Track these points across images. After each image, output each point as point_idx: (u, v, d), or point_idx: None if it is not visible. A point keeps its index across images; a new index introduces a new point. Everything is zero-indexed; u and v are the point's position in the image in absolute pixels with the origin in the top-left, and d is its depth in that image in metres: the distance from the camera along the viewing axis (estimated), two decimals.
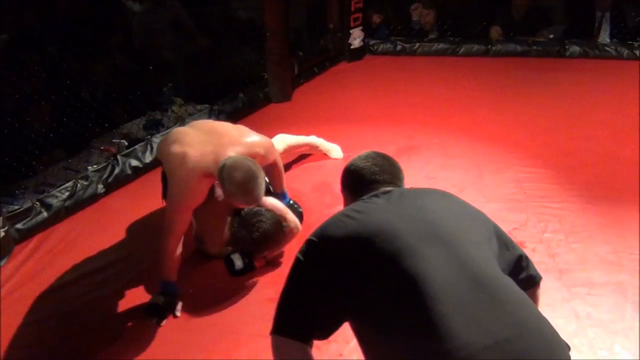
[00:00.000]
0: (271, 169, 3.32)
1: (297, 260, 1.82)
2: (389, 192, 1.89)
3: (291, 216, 3.20)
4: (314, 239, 1.82)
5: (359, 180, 2.00)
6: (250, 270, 3.13)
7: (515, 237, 3.34)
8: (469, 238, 1.72)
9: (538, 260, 3.18)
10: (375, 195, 1.88)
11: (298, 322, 1.75)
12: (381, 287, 1.62)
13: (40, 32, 5.47)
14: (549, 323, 1.61)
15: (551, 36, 6.42)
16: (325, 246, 1.78)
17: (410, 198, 1.85)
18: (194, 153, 2.86)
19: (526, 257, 1.92)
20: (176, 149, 2.93)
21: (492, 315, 1.52)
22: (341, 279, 1.69)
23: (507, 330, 1.50)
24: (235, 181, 2.71)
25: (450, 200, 1.91)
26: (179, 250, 2.90)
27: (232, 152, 2.86)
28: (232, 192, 2.74)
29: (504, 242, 1.87)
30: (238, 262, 3.11)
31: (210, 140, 2.95)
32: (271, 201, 3.17)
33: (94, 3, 6.19)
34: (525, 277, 1.88)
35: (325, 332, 1.77)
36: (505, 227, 3.35)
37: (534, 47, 6.22)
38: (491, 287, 1.59)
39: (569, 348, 1.64)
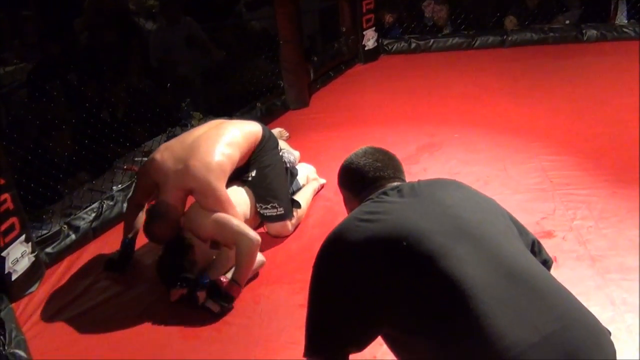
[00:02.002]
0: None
1: (315, 273, 1.74)
2: (397, 187, 1.81)
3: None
4: (330, 247, 1.74)
5: (362, 179, 1.91)
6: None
7: (544, 226, 3.33)
8: (495, 229, 1.68)
9: (569, 248, 3.15)
10: (385, 193, 1.79)
11: (330, 341, 1.67)
12: (417, 291, 1.56)
13: (61, 60, 5.57)
14: (588, 310, 1.57)
15: (567, 22, 6.33)
16: (346, 254, 1.68)
17: (424, 192, 1.77)
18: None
19: (538, 242, 1.86)
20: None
21: (535, 310, 1.48)
22: (370, 288, 1.61)
23: (551, 323, 1.47)
24: None
25: (465, 191, 1.84)
26: None
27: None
28: None
29: (519, 227, 1.81)
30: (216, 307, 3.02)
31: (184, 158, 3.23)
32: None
33: (108, 23, 6.29)
34: (540, 261, 1.84)
35: (361, 345, 1.68)
36: (533, 217, 3.39)
37: (551, 34, 6.14)
38: (528, 280, 1.54)
39: (609, 333, 1.60)
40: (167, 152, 3.31)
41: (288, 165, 3.72)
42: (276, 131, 4.28)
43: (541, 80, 5.29)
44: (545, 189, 3.69)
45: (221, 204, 3.16)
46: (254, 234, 3.12)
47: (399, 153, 4.14)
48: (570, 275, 2.94)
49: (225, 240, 3.19)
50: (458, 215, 1.67)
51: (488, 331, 1.44)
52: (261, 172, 3.51)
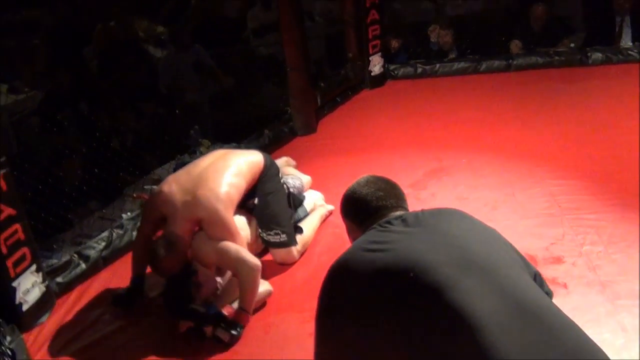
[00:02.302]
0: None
1: (321, 302, 1.74)
2: (402, 217, 1.81)
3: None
4: (336, 276, 1.73)
5: (365, 208, 1.90)
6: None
7: (553, 252, 3.33)
8: (502, 261, 1.67)
9: (579, 274, 3.14)
10: (389, 222, 1.79)
11: None
12: (424, 322, 1.55)
13: (71, 89, 5.63)
14: (597, 345, 1.55)
15: (572, 45, 6.36)
16: (351, 284, 1.68)
17: (429, 222, 1.76)
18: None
19: (539, 275, 1.84)
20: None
21: (543, 343, 1.47)
22: (376, 318, 1.60)
23: (560, 357, 1.45)
24: None
25: (469, 221, 1.84)
26: None
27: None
28: None
29: (522, 259, 1.80)
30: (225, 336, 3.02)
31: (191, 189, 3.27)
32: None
33: (118, 51, 6.37)
34: None
35: None
36: (542, 243, 3.39)
37: (556, 58, 6.17)
38: (537, 313, 1.53)
39: None
40: (174, 183, 3.33)
41: (292, 190, 3.74)
42: (282, 160, 4.31)
43: (547, 104, 5.31)
44: (553, 214, 3.69)
45: (229, 234, 3.18)
46: (253, 260, 3.12)
47: (407, 178, 4.25)
48: (581, 301, 2.93)
49: (227, 267, 3.22)
50: (464, 247, 1.67)
51: None
52: (263, 199, 3.53)
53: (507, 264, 1.68)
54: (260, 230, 3.53)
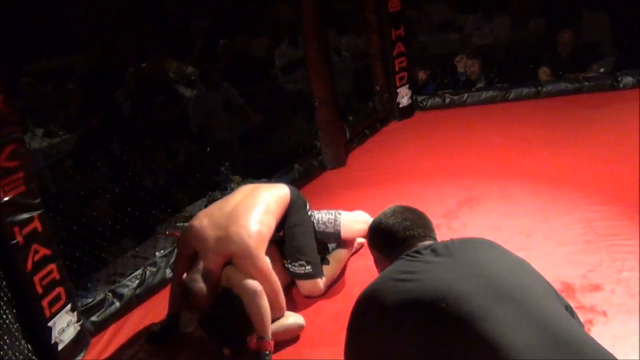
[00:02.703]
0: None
1: (350, 332, 1.71)
2: (431, 246, 1.79)
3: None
4: (365, 306, 1.71)
5: (393, 238, 1.89)
6: None
7: (591, 279, 3.25)
8: (535, 291, 1.64)
9: (618, 301, 3.06)
10: (418, 252, 1.77)
11: None
12: (457, 354, 1.51)
13: (104, 131, 5.75)
14: None
15: (602, 70, 6.30)
16: (381, 314, 1.66)
17: (458, 252, 1.74)
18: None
19: (570, 306, 1.78)
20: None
21: None
22: (407, 349, 1.57)
23: None
24: None
25: (498, 251, 1.81)
26: None
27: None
28: None
29: (553, 290, 1.75)
30: None
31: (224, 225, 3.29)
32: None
33: (149, 93, 6.50)
34: None
35: None
36: (579, 270, 3.32)
37: (586, 83, 6.11)
38: (574, 345, 1.49)
39: None
40: (206, 219, 3.36)
41: (321, 225, 3.74)
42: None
43: (578, 129, 5.24)
44: (590, 241, 3.61)
45: (262, 274, 3.19)
46: (252, 285, 3.12)
47: (438, 208, 4.22)
48: (622, 329, 2.85)
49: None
50: (496, 277, 1.64)
51: None
52: (290, 231, 3.55)
53: (540, 295, 1.64)
54: (285, 261, 3.54)
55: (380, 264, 1.95)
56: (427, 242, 1.85)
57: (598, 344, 1.56)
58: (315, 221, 3.72)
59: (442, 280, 1.63)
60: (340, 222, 3.80)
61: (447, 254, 1.73)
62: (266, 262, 3.25)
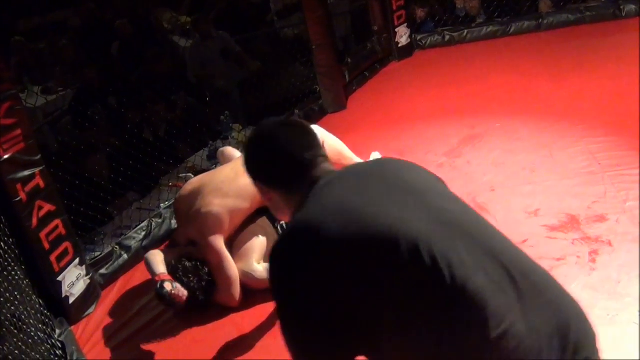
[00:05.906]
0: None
1: (285, 289, 1.43)
2: (346, 171, 1.57)
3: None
4: (300, 243, 1.42)
5: (291, 165, 1.54)
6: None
7: (596, 210, 3.25)
8: (476, 218, 1.50)
9: (623, 230, 3.06)
10: (336, 178, 1.51)
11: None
12: (409, 282, 1.33)
13: (100, 86, 5.70)
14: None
15: None
16: (326, 250, 1.38)
17: (376, 172, 1.54)
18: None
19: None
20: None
21: (539, 310, 1.34)
22: (357, 286, 1.35)
23: (556, 320, 1.34)
24: None
25: (420, 170, 1.60)
26: None
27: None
28: None
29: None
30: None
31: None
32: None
33: (143, 42, 6.42)
34: None
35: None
36: (584, 202, 3.32)
37: (587, 13, 5.98)
38: (528, 275, 1.38)
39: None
40: (186, 190, 3.47)
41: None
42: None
43: (581, 61, 5.16)
44: (594, 172, 3.60)
45: (212, 261, 3.22)
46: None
47: (441, 147, 4.20)
48: (627, 258, 2.86)
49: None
50: (424, 189, 1.50)
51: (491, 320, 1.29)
52: None
53: (479, 220, 1.50)
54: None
55: (279, 205, 1.60)
56: (326, 165, 1.56)
57: (543, 269, 1.47)
58: None
59: (388, 214, 1.40)
60: None
61: (365, 176, 1.53)
62: (219, 250, 3.19)
